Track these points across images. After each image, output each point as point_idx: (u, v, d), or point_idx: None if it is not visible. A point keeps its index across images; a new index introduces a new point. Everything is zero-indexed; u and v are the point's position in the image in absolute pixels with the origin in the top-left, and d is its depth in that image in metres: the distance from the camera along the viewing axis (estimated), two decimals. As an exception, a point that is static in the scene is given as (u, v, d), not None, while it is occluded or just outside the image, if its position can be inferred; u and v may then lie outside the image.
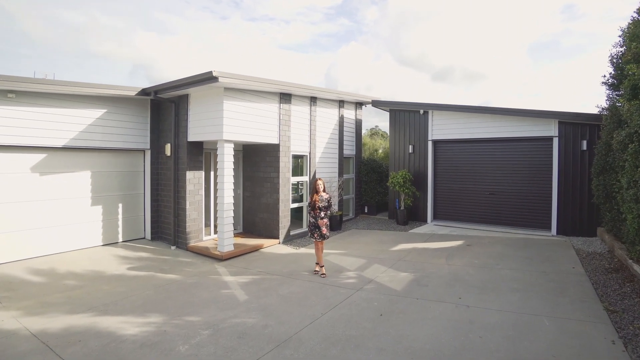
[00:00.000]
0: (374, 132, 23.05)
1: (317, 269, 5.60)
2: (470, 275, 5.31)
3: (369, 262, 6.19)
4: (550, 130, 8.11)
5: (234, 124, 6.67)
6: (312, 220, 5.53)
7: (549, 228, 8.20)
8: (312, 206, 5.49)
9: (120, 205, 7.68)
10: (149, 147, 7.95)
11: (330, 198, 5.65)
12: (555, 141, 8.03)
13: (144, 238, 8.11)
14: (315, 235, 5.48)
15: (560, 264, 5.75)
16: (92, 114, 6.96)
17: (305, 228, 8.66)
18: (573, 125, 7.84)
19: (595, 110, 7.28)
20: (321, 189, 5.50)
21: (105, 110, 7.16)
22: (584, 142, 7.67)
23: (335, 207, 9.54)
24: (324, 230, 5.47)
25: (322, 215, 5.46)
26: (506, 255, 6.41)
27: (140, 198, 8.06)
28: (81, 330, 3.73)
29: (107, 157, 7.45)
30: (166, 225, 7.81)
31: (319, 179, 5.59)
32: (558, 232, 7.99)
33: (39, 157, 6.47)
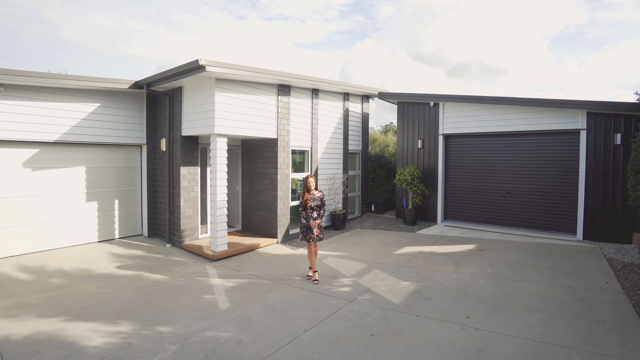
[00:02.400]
0: (387, 129, 22.18)
1: (310, 274, 5.15)
2: (481, 287, 4.69)
3: (369, 267, 5.67)
4: (577, 122, 7.24)
5: (227, 117, 6.28)
6: (304, 221, 5.05)
7: (573, 232, 7.38)
8: (304, 206, 5.01)
9: (116, 201, 7.49)
10: (145, 142, 7.70)
11: (324, 196, 5.15)
12: (583, 134, 7.17)
13: (141, 235, 7.92)
14: (308, 237, 5.01)
15: (590, 278, 4.97)
16: (85, 108, 6.75)
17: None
18: (604, 117, 6.95)
19: (633, 98, 6.37)
20: (313, 187, 5.01)
21: (99, 104, 6.94)
22: (618, 136, 6.78)
23: (339, 205, 9.04)
24: (317, 231, 4.99)
25: (315, 215, 4.98)
26: (524, 263, 5.71)
27: (137, 194, 7.85)
28: (45, 339, 3.46)
29: (102, 152, 7.26)
30: (162, 222, 7.57)
31: (311, 176, 5.10)
32: (585, 237, 7.17)
33: (31, 151, 6.31)
